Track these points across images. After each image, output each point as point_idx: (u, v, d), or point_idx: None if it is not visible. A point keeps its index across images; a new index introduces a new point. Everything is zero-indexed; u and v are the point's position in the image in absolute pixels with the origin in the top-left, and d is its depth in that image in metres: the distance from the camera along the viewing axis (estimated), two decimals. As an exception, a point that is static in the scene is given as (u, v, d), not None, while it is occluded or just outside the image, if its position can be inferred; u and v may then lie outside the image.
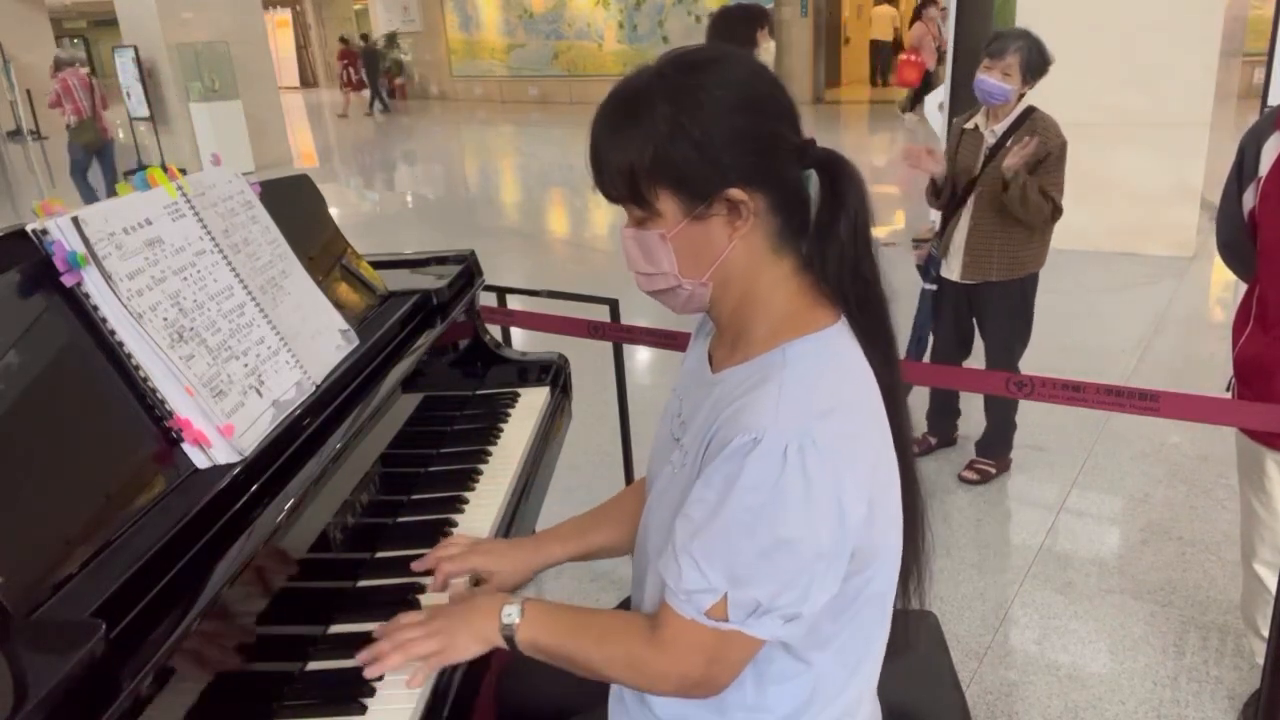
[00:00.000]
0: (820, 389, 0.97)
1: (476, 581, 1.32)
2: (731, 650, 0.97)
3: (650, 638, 1.00)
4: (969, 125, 3.03)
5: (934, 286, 3.16)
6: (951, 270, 3.08)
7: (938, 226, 3.16)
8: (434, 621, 1.11)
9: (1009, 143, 2.85)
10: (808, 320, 1.02)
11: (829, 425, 0.93)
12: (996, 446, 3.22)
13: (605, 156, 1.00)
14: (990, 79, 2.84)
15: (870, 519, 0.96)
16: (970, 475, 3.21)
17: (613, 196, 1.03)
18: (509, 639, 1.07)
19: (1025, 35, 2.85)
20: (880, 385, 1.03)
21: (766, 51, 3.35)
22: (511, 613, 1.07)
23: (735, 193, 0.97)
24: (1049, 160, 2.81)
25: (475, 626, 1.08)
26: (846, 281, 1.02)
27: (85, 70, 8.75)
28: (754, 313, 1.04)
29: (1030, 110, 2.88)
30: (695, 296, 1.05)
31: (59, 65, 8.68)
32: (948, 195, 3.04)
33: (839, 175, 1.01)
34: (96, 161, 8.83)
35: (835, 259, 1.01)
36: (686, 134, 0.95)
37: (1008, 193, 2.83)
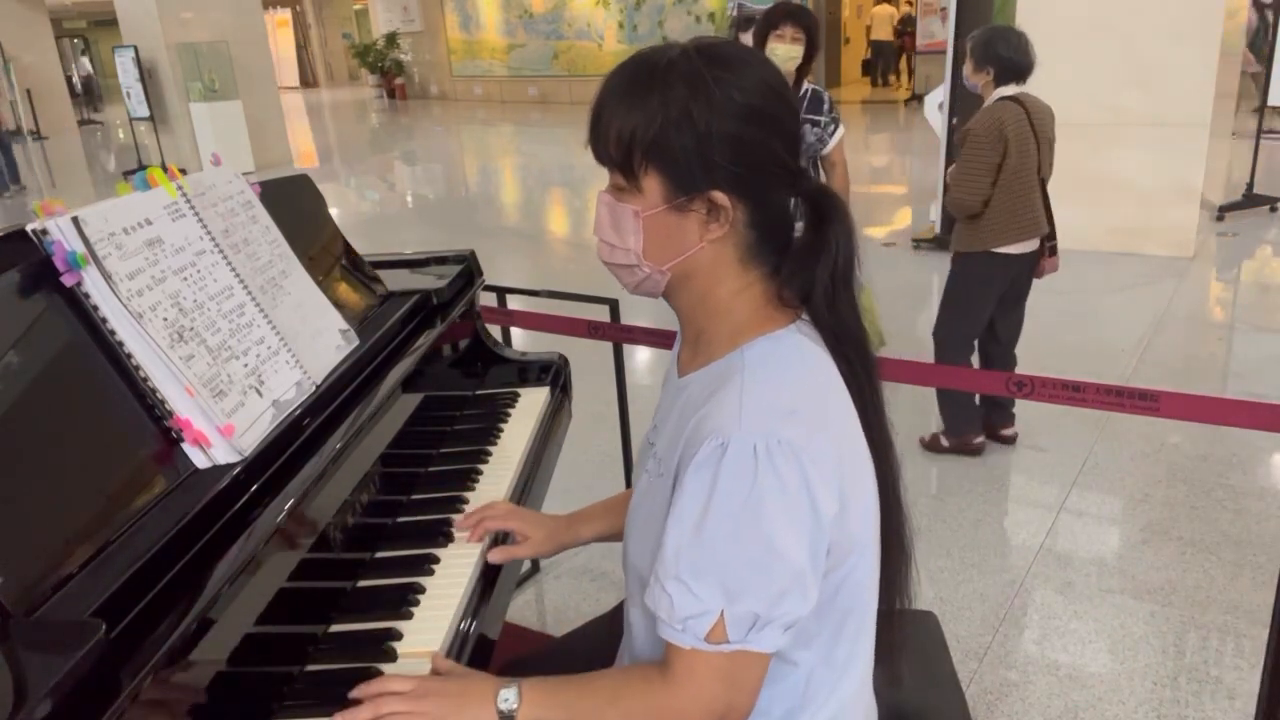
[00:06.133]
0: (781, 388, 0.96)
1: (503, 539, 1.42)
2: (743, 671, 0.95)
3: (663, 680, 0.96)
4: None
5: None
6: None
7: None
8: (423, 700, 1.01)
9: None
10: (766, 320, 1.02)
11: (793, 423, 0.92)
12: (955, 423, 3.33)
13: (608, 117, 0.98)
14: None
15: (843, 513, 0.96)
16: (927, 440, 3.36)
17: (600, 157, 1.01)
18: None
19: (979, 32, 3.16)
20: (854, 399, 1.03)
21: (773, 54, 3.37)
22: (509, 697, 0.99)
23: (719, 196, 0.97)
24: (963, 148, 3.05)
25: (468, 716, 1.00)
26: (823, 313, 1.02)
27: None
28: (714, 316, 1.04)
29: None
30: (650, 281, 1.04)
31: None
32: None
33: (827, 214, 1.00)
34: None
35: (810, 290, 1.01)
36: (693, 123, 0.94)
37: None
